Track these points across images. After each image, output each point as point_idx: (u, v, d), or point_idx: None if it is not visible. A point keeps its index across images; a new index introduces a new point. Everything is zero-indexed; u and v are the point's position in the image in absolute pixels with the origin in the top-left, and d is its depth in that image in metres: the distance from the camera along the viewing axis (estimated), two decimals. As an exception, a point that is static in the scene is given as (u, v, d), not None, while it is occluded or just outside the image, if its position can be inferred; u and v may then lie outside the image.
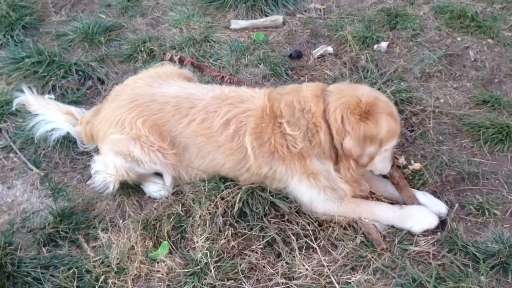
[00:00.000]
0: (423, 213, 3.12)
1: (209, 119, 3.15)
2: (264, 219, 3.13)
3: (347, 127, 2.90)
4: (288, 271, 2.93)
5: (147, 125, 3.18)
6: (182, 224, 3.16)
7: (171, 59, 4.38)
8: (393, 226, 3.15)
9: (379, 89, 3.99)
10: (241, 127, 3.10)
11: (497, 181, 3.47)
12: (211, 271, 2.88)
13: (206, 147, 3.19)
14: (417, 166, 3.48)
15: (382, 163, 3.15)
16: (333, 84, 3.19)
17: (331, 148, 3.01)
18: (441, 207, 3.19)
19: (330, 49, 4.54)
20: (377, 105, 2.94)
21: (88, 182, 3.51)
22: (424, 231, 3.09)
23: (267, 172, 3.13)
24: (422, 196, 3.23)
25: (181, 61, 4.38)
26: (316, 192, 3.09)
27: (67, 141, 3.74)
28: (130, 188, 3.44)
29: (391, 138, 3.00)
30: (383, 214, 3.14)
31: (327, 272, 2.91)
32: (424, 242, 3.05)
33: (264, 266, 2.96)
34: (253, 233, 3.08)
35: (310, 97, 3.01)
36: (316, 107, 2.97)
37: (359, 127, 2.89)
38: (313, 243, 3.05)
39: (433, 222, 3.09)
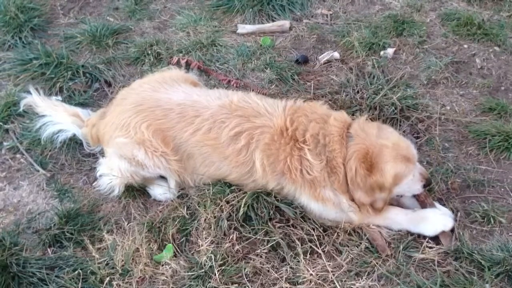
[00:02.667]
0: (437, 215, 3.10)
1: (215, 129, 3.12)
2: (269, 224, 3.13)
3: (358, 179, 2.95)
4: (293, 275, 2.93)
5: (151, 130, 3.18)
6: (187, 227, 3.17)
7: (178, 63, 4.39)
8: (400, 231, 3.14)
9: (385, 95, 3.99)
10: (252, 142, 3.07)
11: (502, 189, 3.47)
12: (215, 275, 2.88)
13: (211, 158, 3.19)
14: (422, 172, 3.48)
15: (410, 187, 3.11)
16: (355, 122, 3.12)
17: (348, 188, 3.04)
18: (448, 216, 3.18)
19: (336, 54, 4.55)
20: (382, 154, 2.94)
21: (93, 185, 3.52)
22: (437, 234, 3.08)
23: (274, 186, 3.14)
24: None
25: (188, 65, 4.39)
26: (326, 208, 3.09)
27: (74, 142, 3.75)
28: (136, 191, 3.45)
29: (400, 180, 3.00)
30: (395, 217, 3.13)
31: (331, 278, 2.90)
32: (429, 249, 3.04)
33: (268, 271, 2.96)
34: (258, 237, 3.08)
35: (336, 137, 3.01)
36: (340, 151, 2.98)
37: (366, 181, 2.94)
38: (318, 248, 3.05)
39: (448, 224, 3.07)
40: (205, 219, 3.14)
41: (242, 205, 3.13)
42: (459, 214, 3.26)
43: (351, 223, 3.13)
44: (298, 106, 3.20)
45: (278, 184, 3.13)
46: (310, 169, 3.00)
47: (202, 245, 3.04)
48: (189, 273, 2.94)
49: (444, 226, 3.07)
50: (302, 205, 3.16)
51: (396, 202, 3.29)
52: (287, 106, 3.18)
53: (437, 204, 3.24)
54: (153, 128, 3.19)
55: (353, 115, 3.75)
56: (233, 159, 3.13)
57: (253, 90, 3.99)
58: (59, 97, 4.11)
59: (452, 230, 3.13)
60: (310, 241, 3.07)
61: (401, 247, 3.04)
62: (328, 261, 2.99)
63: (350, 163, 2.96)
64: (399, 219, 3.13)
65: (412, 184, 3.09)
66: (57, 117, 3.70)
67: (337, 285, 2.87)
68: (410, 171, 3.01)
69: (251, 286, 2.89)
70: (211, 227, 3.10)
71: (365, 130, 3.03)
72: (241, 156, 3.10)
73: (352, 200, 3.06)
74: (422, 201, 3.22)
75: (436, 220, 3.09)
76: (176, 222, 3.18)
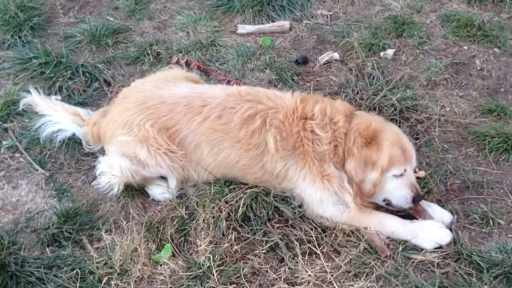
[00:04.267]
0: (435, 228, 3.06)
1: (225, 115, 3.16)
2: (268, 224, 3.13)
3: (354, 149, 3.03)
4: (291, 276, 2.93)
5: (156, 127, 3.19)
6: (186, 227, 3.17)
7: (177, 63, 4.39)
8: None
9: (384, 96, 3.99)
10: (267, 121, 3.13)
11: (501, 191, 3.47)
12: (213, 275, 2.87)
13: (221, 143, 3.19)
14: (421, 174, 3.47)
15: (395, 192, 3.10)
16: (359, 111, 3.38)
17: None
18: (446, 217, 3.17)
19: (336, 55, 4.55)
20: (384, 133, 3.06)
21: (92, 183, 3.52)
22: (436, 248, 3.04)
23: (280, 169, 3.14)
24: (426, 206, 3.20)
25: (188, 65, 4.39)
26: (328, 194, 3.09)
27: (73, 142, 3.75)
28: (134, 190, 3.45)
29: (395, 165, 3.03)
30: (392, 226, 3.10)
31: (330, 278, 2.90)
32: (428, 250, 3.03)
33: (267, 271, 2.96)
34: (257, 238, 3.08)
35: (342, 111, 3.16)
36: (344, 123, 3.11)
37: (362, 150, 3.01)
38: (316, 249, 3.04)
39: (445, 238, 3.04)
40: (203, 219, 3.14)
41: (241, 205, 3.13)
42: (456, 216, 3.24)
43: (348, 222, 3.11)
44: (304, 94, 3.38)
45: (285, 164, 3.13)
46: (320, 141, 3.07)
47: (200, 245, 3.03)
48: (188, 273, 2.93)
49: (441, 241, 3.03)
50: (304, 193, 3.15)
51: None
52: (295, 92, 3.32)
53: (435, 205, 3.24)
54: (158, 125, 3.20)
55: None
56: (246, 142, 3.14)
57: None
58: (59, 97, 4.11)
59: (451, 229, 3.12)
60: (309, 241, 3.07)
61: (400, 248, 3.03)
62: (326, 262, 2.98)
63: (350, 135, 3.07)
64: (396, 228, 3.09)
65: (400, 187, 3.07)
66: (57, 116, 3.70)
67: (336, 286, 2.87)
68: (404, 162, 3.05)
69: (250, 287, 2.89)
70: (209, 227, 3.10)
71: (371, 116, 3.25)
72: (254, 138, 3.13)
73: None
74: (413, 209, 3.17)
75: (434, 234, 3.04)
76: (174, 222, 3.18)
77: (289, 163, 3.12)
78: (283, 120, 3.11)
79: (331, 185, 3.08)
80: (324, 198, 3.10)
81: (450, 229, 3.11)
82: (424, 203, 3.23)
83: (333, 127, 3.09)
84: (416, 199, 3.10)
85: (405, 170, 3.07)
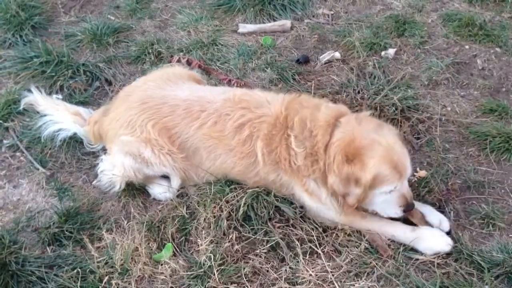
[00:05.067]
0: (436, 237, 3.03)
1: (220, 122, 3.15)
2: (269, 224, 3.13)
3: (334, 166, 2.87)
4: (292, 276, 2.93)
5: (157, 128, 3.19)
6: (187, 227, 3.17)
7: (178, 62, 4.39)
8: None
9: (385, 96, 3.98)
10: (254, 132, 3.09)
11: (503, 191, 3.46)
12: (214, 274, 2.87)
13: (216, 150, 3.19)
14: (422, 173, 3.46)
15: (383, 206, 3.01)
16: (353, 114, 3.07)
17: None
18: (443, 221, 3.15)
19: (337, 54, 4.54)
20: (370, 149, 2.82)
21: (93, 183, 3.52)
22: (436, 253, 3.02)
23: (275, 178, 3.14)
24: (423, 208, 3.18)
25: (189, 64, 4.39)
26: (322, 204, 3.09)
27: (74, 141, 3.75)
28: (135, 190, 3.45)
29: (382, 184, 2.84)
30: (392, 233, 3.08)
31: (330, 278, 2.90)
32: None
33: (267, 271, 2.96)
34: (257, 237, 3.08)
35: (322, 122, 2.96)
36: (323, 137, 2.93)
37: (343, 168, 2.83)
38: (317, 248, 3.04)
39: (446, 246, 3.00)
40: (204, 219, 3.14)
41: (242, 205, 3.13)
42: (459, 215, 3.25)
43: (348, 225, 3.11)
44: (298, 96, 3.23)
45: (278, 175, 3.13)
46: (295, 158, 3.00)
47: (201, 245, 3.03)
48: (188, 273, 2.93)
49: (442, 250, 3.00)
50: (300, 201, 3.16)
51: None
52: (286, 96, 3.21)
53: (430, 207, 3.21)
54: (159, 126, 3.20)
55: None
56: (238, 150, 3.13)
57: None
58: (60, 96, 4.10)
59: (450, 232, 3.11)
60: (310, 241, 3.07)
61: (401, 248, 3.03)
62: (327, 262, 2.98)
63: (330, 150, 2.89)
64: (397, 235, 3.07)
65: (388, 202, 2.97)
66: (58, 116, 3.71)
67: (337, 286, 2.87)
68: (393, 180, 2.85)
69: (250, 286, 2.89)
70: (210, 227, 3.10)
71: (360, 122, 2.95)
72: (245, 146, 3.11)
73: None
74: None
75: (435, 243, 3.01)
76: (175, 222, 3.18)
77: (280, 173, 3.12)
78: (266, 133, 3.06)
79: (317, 199, 3.07)
80: (319, 207, 3.11)
81: (450, 232, 3.10)
82: (420, 205, 3.18)
83: (312, 141, 2.94)
84: (406, 210, 3.01)
85: (395, 187, 2.89)
